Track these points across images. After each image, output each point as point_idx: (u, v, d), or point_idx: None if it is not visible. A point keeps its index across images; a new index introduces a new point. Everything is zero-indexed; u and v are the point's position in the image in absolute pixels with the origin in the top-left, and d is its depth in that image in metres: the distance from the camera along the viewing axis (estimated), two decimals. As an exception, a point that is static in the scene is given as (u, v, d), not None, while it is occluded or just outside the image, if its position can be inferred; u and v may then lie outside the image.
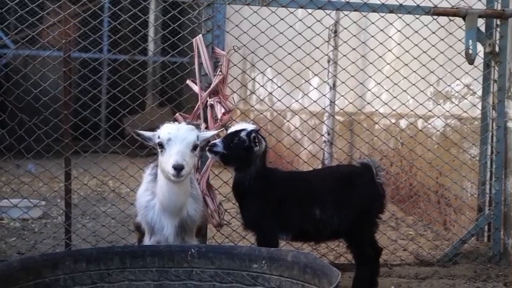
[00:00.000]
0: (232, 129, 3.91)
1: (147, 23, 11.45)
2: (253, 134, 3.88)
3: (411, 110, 5.10)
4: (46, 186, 5.83)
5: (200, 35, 4.42)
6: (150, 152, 4.45)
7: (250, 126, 3.91)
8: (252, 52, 5.00)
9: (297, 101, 5.18)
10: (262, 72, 5.43)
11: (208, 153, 3.89)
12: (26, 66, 4.80)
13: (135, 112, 10.08)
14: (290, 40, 4.79)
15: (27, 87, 4.69)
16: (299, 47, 4.86)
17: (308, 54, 4.90)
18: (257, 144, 3.88)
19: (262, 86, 5.57)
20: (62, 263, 3.19)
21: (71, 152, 4.58)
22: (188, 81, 4.52)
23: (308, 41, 4.87)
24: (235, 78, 4.88)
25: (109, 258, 3.31)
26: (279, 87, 5.16)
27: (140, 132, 3.62)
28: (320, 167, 6.53)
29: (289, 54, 4.81)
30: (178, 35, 4.81)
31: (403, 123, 6.11)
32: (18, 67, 4.94)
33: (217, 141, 3.83)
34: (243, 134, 3.86)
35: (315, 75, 5.70)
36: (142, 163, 5.10)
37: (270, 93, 5.96)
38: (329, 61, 6.77)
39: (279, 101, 5.02)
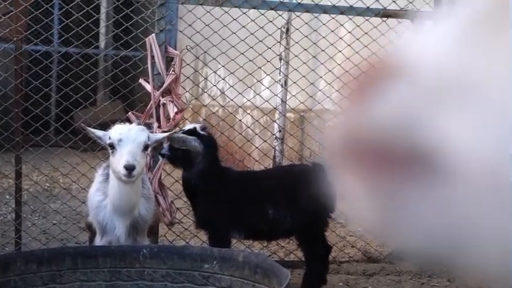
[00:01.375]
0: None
1: (98, 19, 11.36)
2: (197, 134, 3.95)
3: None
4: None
5: (153, 35, 4.43)
6: (102, 148, 4.48)
7: (196, 126, 3.97)
8: (205, 52, 5.05)
9: (249, 100, 5.25)
10: (215, 72, 5.46)
11: (160, 157, 3.96)
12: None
13: (86, 108, 10.02)
14: (243, 40, 4.84)
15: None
16: (251, 47, 4.91)
17: (260, 54, 4.96)
18: (202, 143, 3.96)
19: (214, 85, 5.61)
20: (13, 264, 3.17)
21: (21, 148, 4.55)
22: (141, 80, 4.53)
23: (260, 41, 4.92)
24: (188, 77, 4.91)
25: (60, 259, 3.30)
26: (232, 86, 5.21)
27: (92, 130, 3.63)
28: (271, 165, 6.61)
29: (242, 54, 4.85)
30: (130, 30, 4.82)
31: (353, 121, 6.19)
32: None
33: (165, 144, 3.88)
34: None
35: (267, 74, 5.75)
36: (92, 159, 5.11)
37: (223, 93, 5.99)
38: (280, 60, 6.83)
39: (231, 100, 5.07)
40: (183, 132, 3.96)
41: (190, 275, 3.32)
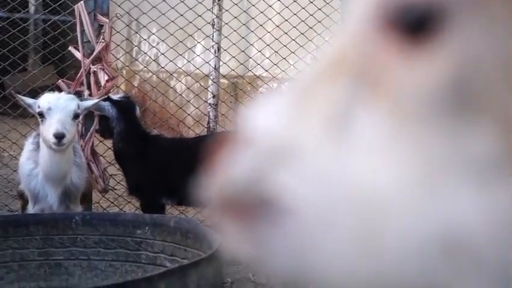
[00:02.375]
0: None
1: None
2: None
3: (292, 77, 5.30)
4: None
5: (82, 2, 4.41)
6: (33, 115, 4.48)
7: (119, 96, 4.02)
8: (135, 19, 5.03)
9: (180, 68, 5.27)
10: (146, 40, 5.46)
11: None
12: None
13: (16, 75, 9.85)
14: (173, 8, 4.86)
15: None
16: (182, 15, 4.93)
17: (191, 22, 4.99)
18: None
19: (145, 53, 5.61)
20: None
21: None
22: (70, 48, 4.51)
23: (191, 9, 4.95)
24: (118, 45, 4.91)
25: (-9, 227, 3.32)
26: (163, 54, 5.23)
27: (22, 97, 3.62)
28: (205, 131, 6.67)
29: (172, 22, 4.88)
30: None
31: (285, 88, 6.31)
32: None
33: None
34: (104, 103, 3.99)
35: (199, 42, 5.78)
36: (24, 126, 5.08)
37: (154, 60, 5.99)
38: (213, 27, 6.85)
39: (163, 67, 5.10)
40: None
41: (122, 241, 3.38)
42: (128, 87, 9.13)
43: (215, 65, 6.56)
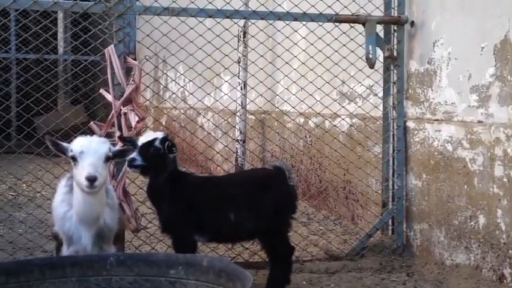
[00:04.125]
0: (142, 139, 4.02)
1: (56, 23, 11.36)
2: (168, 142, 4.03)
3: (318, 113, 5.35)
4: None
5: (112, 45, 4.51)
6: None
7: (160, 134, 4.05)
8: (164, 61, 5.13)
9: (209, 107, 5.34)
10: (174, 80, 5.55)
11: (128, 169, 4.01)
12: None
13: (47, 111, 10.03)
14: (200, 48, 4.95)
15: None
16: (209, 55, 5.02)
17: (218, 62, 5.07)
18: (174, 150, 4.05)
19: (174, 93, 5.70)
20: (-19, 277, 3.23)
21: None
22: (101, 90, 4.61)
23: (218, 49, 5.04)
24: (147, 86, 4.99)
25: (28, 270, 3.36)
26: (191, 94, 5.31)
27: (58, 141, 3.68)
28: (233, 168, 6.74)
29: (200, 62, 4.97)
30: (84, 35, 4.91)
31: (311, 123, 6.36)
32: None
33: (135, 155, 3.93)
34: (157, 143, 4.00)
35: (225, 81, 5.86)
36: (55, 166, 5.17)
37: (183, 100, 6.08)
38: (239, 64, 6.95)
39: (191, 107, 5.16)
40: (153, 142, 4.02)
41: (156, 281, 3.41)
42: (156, 126, 9.25)
43: (241, 102, 6.67)
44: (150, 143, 3.99)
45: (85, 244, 3.75)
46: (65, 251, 3.81)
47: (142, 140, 4.02)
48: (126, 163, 3.97)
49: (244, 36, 6.97)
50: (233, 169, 6.86)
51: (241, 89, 6.82)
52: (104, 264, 3.46)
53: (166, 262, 3.41)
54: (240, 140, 6.93)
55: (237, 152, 6.89)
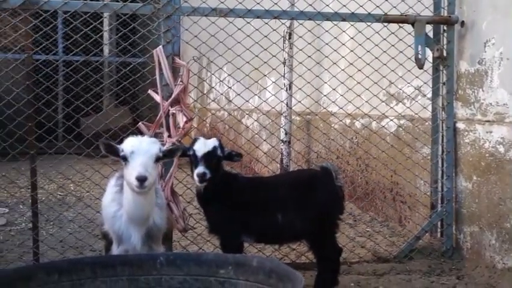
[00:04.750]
0: (199, 148, 3.98)
1: (101, 25, 11.50)
2: (227, 149, 4.05)
3: (366, 114, 5.31)
4: (6, 191, 5.87)
5: (160, 46, 4.54)
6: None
7: (214, 141, 4.03)
8: (211, 61, 5.15)
9: (256, 107, 5.34)
10: (221, 81, 5.57)
11: (199, 184, 3.97)
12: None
13: (92, 115, 10.16)
14: (248, 49, 4.96)
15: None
16: (256, 56, 5.03)
17: (265, 62, 5.07)
18: (237, 159, 4.07)
19: (222, 94, 5.72)
20: (35, 275, 3.27)
21: (26, 156, 4.67)
22: (150, 91, 4.64)
23: (265, 49, 5.03)
24: (195, 87, 5.02)
25: (80, 269, 3.40)
26: (238, 94, 5.31)
27: (111, 143, 3.71)
28: (278, 168, 6.72)
29: (248, 63, 4.97)
30: (132, 36, 4.95)
31: (358, 124, 6.32)
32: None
33: (202, 169, 3.91)
34: (219, 152, 4.00)
35: (273, 82, 5.86)
36: (101, 165, 5.24)
37: (230, 101, 6.10)
38: (284, 66, 6.94)
39: (239, 108, 5.17)
40: (215, 151, 4.01)
41: (206, 280, 3.42)
42: (201, 127, 9.30)
43: (287, 103, 6.65)
44: (213, 152, 3.98)
45: (134, 243, 3.78)
46: (115, 250, 3.85)
47: (199, 149, 3.98)
48: (197, 179, 3.91)
49: (290, 37, 6.96)
50: (278, 170, 6.85)
51: (287, 89, 6.81)
52: (154, 263, 3.49)
53: (216, 262, 3.42)
54: (286, 141, 6.92)
55: (282, 153, 6.88)
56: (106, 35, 12.54)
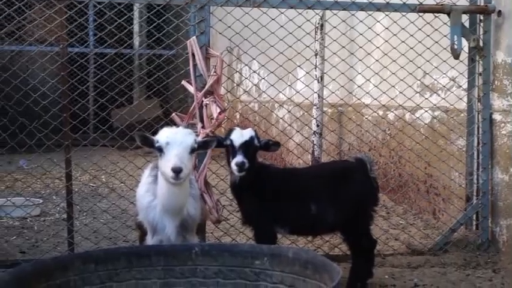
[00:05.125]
0: (236, 137, 3.96)
1: (132, 18, 11.54)
2: (262, 139, 4.02)
3: (400, 105, 5.26)
4: (40, 182, 5.91)
5: (194, 37, 4.54)
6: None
7: (250, 131, 4.01)
8: (245, 52, 5.14)
9: (289, 98, 5.31)
10: (255, 72, 5.55)
11: (237, 173, 3.93)
12: (12, 62, 4.89)
13: (123, 106, 10.22)
14: (281, 40, 4.93)
15: (16, 84, 4.78)
16: (290, 46, 4.99)
17: (299, 53, 5.05)
18: (274, 148, 4.05)
19: (255, 85, 5.70)
20: (71, 265, 3.29)
21: (60, 148, 4.71)
22: (183, 82, 4.64)
23: (299, 39, 5.00)
24: (229, 78, 5.00)
25: (116, 258, 3.41)
26: (272, 85, 5.29)
27: (146, 135, 3.71)
28: (309, 159, 6.69)
29: (281, 53, 4.95)
30: (163, 29, 4.95)
31: (391, 116, 6.26)
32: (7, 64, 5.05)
33: (240, 158, 3.88)
34: (256, 142, 3.98)
35: (307, 73, 5.82)
36: (133, 156, 5.26)
37: (264, 92, 6.08)
38: (316, 56, 6.89)
39: (272, 98, 5.14)
40: (252, 141, 3.99)
41: (241, 271, 3.40)
42: (232, 118, 9.29)
43: (319, 94, 6.61)
44: (250, 142, 3.95)
45: (168, 234, 3.79)
46: (150, 240, 3.86)
47: (236, 138, 3.95)
48: (236, 168, 3.88)
49: (321, 28, 6.91)
50: (309, 162, 6.81)
51: (319, 80, 6.76)
52: (189, 254, 3.48)
53: (251, 253, 3.40)
54: (317, 133, 6.88)
55: (313, 144, 6.84)
56: (136, 27, 12.60)
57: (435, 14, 4.99)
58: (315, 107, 6.83)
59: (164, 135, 3.60)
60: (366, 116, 6.31)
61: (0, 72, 5.19)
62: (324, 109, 6.99)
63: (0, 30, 7.49)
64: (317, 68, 6.77)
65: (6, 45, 7.70)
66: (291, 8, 4.75)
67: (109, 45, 8.73)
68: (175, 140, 3.57)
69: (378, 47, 5.24)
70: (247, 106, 8.30)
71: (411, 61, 5.15)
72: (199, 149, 3.69)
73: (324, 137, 6.75)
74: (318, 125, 6.86)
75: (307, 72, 5.79)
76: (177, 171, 3.45)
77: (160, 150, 3.57)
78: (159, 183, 3.73)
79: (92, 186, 7.27)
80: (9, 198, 5.49)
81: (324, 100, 6.66)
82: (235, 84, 6.48)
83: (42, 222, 5.99)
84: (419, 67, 5.23)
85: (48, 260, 3.34)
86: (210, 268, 3.47)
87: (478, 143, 5.06)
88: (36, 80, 4.67)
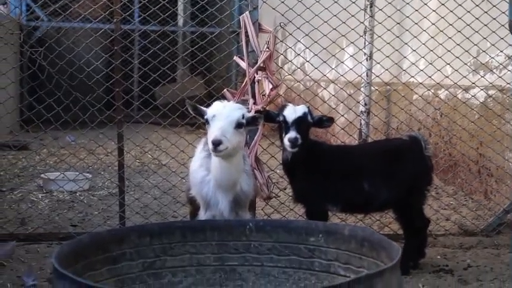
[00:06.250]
0: (289, 113, 3.92)
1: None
2: (317, 116, 3.98)
3: (455, 83, 5.16)
4: (89, 157, 5.96)
5: (247, 12, 4.50)
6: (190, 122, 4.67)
7: (303, 108, 3.96)
8: (298, 28, 5.08)
9: (339, 72, 5.24)
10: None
11: (290, 149, 3.90)
12: (59, 39, 4.93)
13: (168, 83, 10.25)
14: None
15: (66, 60, 4.82)
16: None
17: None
18: (327, 124, 4.01)
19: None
20: (127, 237, 3.30)
21: (109, 124, 4.75)
22: (235, 58, 4.62)
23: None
24: (281, 54, 4.96)
25: (170, 232, 3.41)
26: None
27: (197, 105, 3.70)
28: (356, 136, 6.62)
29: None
30: (207, 7, 4.94)
31: (442, 93, 6.15)
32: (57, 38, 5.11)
33: (294, 133, 3.85)
34: (309, 118, 3.94)
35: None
36: (178, 133, 5.27)
37: (315, 67, 6.01)
38: (364, 36, 6.78)
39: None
40: (305, 117, 3.94)
41: (295, 248, 3.38)
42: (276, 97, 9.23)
43: (366, 74, 6.51)
44: (303, 118, 3.91)
45: (222, 209, 3.78)
46: (202, 215, 3.86)
47: (289, 114, 3.91)
48: (289, 144, 3.85)
49: (371, 7, 6.79)
50: (357, 142, 6.74)
51: (367, 59, 6.66)
52: (244, 229, 3.46)
53: (306, 229, 3.36)
54: (365, 112, 6.79)
55: (360, 124, 6.75)
56: (180, 5, 12.59)
57: (493, -10, 4.87)
58: (362, 86, 6.73)
59: (213, 108, 3.60)
60: (416, 96, 6.21)
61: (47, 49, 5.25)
62: (372, 89, 6.89)
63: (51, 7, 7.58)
64: (365, 47, 6.66)
65: (57, 22, 7.73)
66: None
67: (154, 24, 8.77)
68: (221, 113, 3.55)
69: (433, 24, 5.13)
70: (291, 85, 8.23)
71: (467, 38, 5.04)
72: (248, 125, 3.64)
73: (371, 117, 6.66)
74: (365, 104, 6.77)
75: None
76: (216, 143, 3.42)
77: (207, 122, 3.57)
78: (212, 157, 3.72)
79: (140, 162, 7.32)
80: (62, 172, 5.56)
81: (372, 80, 6.55)
82: (290, 60, 6.38)
83: (92, 197, 6.05)
84: (476, 44, 5.11)
85: (104, 232, 3.36)
86: (264, 244, 3.44)
87: (534, 123, 4.94)
88: (90, 55, 4.69)
